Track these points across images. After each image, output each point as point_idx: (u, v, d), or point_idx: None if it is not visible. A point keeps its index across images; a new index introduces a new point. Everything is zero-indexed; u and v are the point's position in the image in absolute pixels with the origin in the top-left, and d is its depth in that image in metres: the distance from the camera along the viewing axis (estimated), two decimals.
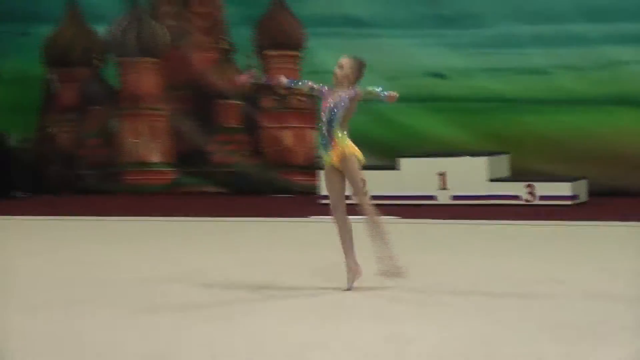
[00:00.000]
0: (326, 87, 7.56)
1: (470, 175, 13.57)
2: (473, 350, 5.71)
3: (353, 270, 7.56)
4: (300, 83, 7.67)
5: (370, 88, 7.43)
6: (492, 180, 13.54)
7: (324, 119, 7.50)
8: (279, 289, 7.73)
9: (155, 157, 16.56)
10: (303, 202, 14.39)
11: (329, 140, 7.51)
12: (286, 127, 16.00)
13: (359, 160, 7.52)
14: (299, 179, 15.71)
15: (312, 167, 15.22)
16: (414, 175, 13.80)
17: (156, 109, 16.46)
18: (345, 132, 7.52)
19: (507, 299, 7.12)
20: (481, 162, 13.63)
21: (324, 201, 13.80)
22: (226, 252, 9.94)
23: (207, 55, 16.20)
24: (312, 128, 15.73)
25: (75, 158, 16.86)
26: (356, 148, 7.52)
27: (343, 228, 7.58)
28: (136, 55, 16.51)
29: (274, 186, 15.77)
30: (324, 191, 13.79)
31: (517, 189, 13.41)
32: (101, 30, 16.75)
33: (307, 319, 6.67)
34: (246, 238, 11.09)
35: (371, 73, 14.26)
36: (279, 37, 15.81)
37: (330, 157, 7.50)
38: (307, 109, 15.83)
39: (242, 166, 16.11)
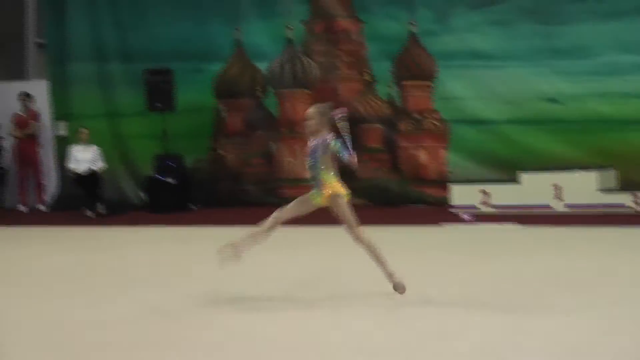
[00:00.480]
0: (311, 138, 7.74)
1: (582, 186, 14.01)
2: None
3: (394, 274, 7.76)
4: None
5: (335, 146, 7.55)
6: (601, 191, 13.99)
7: (309, 163, 7.74)
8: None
9: (308, 174, 17.18)
10: (435, 212, 14.74)
11: (318, 181, 7.67)
12: (421, 147, 16.33)
13: (344, 197, 7.64)
14: (432, 191, 16.04)
15: (443, 180, 15.76)
16: (533, 187, 14.25)
17: None
18: (332, 173, 7.67)
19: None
20: (591, 175, 14.08)
21: (451, 210, 14.56)
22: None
23: (352, 86, 16.82)
24: (443, 147, 16.13)
25: (241, 175, 17.45)
26: (341, 186, 7.65)
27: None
28: (292, 87, 17.16)
29: (410, 198, 15.96)
30: (453, 201, 14.87)
31: (624, 198, 13.90)
32: (262, 66, 17.29)
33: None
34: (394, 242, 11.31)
35: (494, 99, 15.76)
36: (414, 69, 16.33)
37: (320, 197, 7.66)
38: (438, 131, 16.22)
39: (383, 181, 16.35)
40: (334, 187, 7.62)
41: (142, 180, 17.66)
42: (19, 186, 18.87)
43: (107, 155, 17.41)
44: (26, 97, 18.76)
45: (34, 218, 17.01)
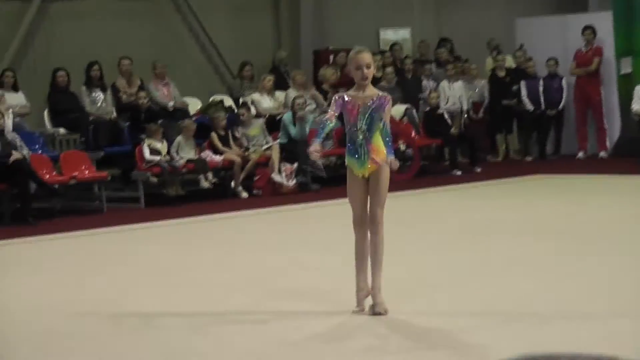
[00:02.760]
0: (342, 98, 6.72)
1: None
2: None
3: (364, 290, 6.80)
4: (326, 125, 6.72)
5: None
6: None
7: (361, 126, 6.64)
8: None
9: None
10: None
11: (366, 147, 6.64)
12: None
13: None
14: None
15: None
16: None
17: None
18: (380, 137, 6.70)
19: None
20: None
21: None
22: None
23: None
24: None
25: None
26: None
27: (362, 244, 6.74)
28: None
29: None
30: None
31: None
32: None
33: None
34: None
35: None
36: None
37: (365, 167, 6.66)
38: None
39: None
40: (385, 153, 6.69)
41: None
42: (577, 130, 17.82)
43: None
44: (589, 31, 17.48)
45: (591, 166, 16.18)
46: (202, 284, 8.19)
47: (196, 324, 6.81)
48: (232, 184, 14.40)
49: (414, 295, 7.28)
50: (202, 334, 6.57)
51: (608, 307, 6.68)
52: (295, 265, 8.80)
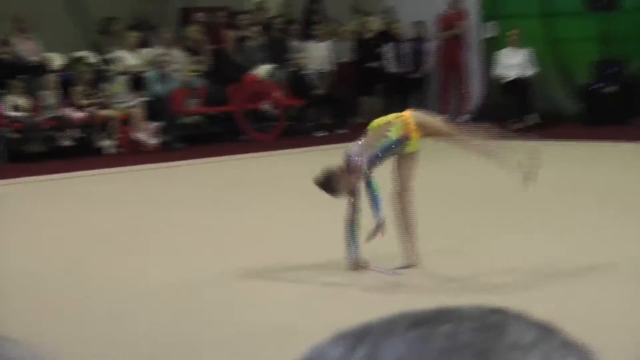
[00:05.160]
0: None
1: None
2: None
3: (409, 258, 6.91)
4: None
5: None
6: None
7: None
8: None
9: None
10: None
11: None
12: None
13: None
14: None
15: None
16: None
17: None
18: None
19: None
20: None
21: None
22: None
23: None
24: None
25: None
26: None
27: (400, 215, 7.03)
28: None
29: None
30: None
31: None
32: None
33: None
34: None
35: None
36: None
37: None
38: None
39: None
40: None
41: (577, 89, 16.52)
42: (440, 94, 18.05)
43: (539, 60, 16.42)
44: None
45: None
46: (61, 242, 8.11)
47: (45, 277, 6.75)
48: (107, 142, 14.20)
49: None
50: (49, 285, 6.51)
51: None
52: (163, 223, 8.77)
